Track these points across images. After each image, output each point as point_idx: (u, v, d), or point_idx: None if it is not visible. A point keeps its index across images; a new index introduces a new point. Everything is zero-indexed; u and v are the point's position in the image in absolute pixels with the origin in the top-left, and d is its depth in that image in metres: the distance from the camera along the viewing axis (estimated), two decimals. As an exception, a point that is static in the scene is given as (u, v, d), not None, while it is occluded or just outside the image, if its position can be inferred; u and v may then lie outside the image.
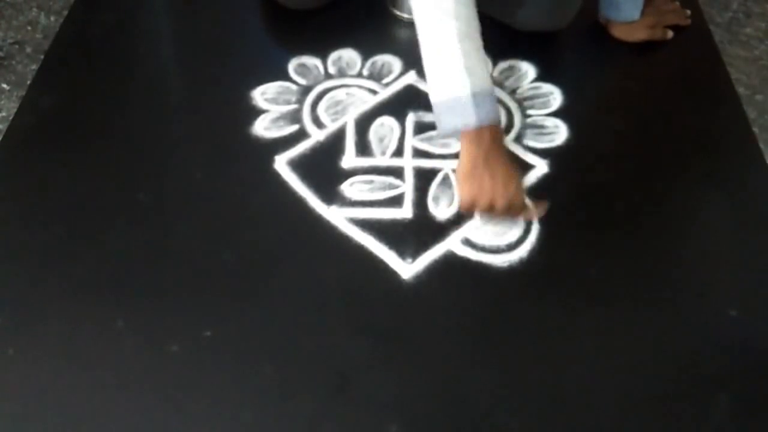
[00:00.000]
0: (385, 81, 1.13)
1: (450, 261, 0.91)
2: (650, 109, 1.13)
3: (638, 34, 1.17)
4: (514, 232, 0.94)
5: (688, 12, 1.22)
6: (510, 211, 0.88)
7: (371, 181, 1.00)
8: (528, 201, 0.92)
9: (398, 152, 1.03)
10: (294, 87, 1.12)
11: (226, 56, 1.18)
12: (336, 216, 0.95)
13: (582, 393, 0.81)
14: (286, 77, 1.13)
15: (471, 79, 0.84)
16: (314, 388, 0.80)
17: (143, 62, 1.18)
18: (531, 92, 1.12)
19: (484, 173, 0.86)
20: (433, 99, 0.87)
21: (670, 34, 1.19)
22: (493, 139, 0.86)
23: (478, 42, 0.87)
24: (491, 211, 0.88)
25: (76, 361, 0.82)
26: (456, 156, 1.02)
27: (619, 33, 1.18)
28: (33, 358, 0.82)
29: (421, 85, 1.11)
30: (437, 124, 0.88)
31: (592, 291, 0.89)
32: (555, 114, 1.09)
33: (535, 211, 0.93)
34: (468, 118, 0.85)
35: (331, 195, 0.98)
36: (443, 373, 0.82)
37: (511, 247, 0.93)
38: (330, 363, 0.82)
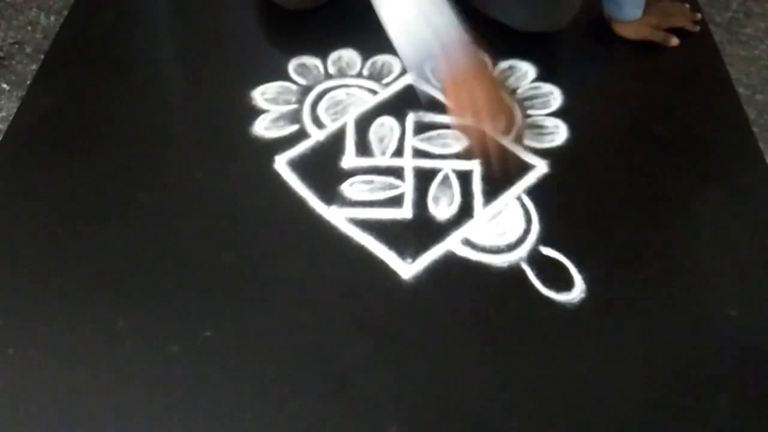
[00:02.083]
0: (385, 81, 1.13)
1: (450, 261, 0.91)
2: (650, 109, 1.13)
3: (640, 33, 1.17)
4: (514, 233, 0.94)
5: (698, 16, 1.22)
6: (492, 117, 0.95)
7: (371, 181, 1.00)
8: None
9: (398, 152, 1.03)
10: (294, 87, 1.12)
11: (226, 56, 1.18)
12: (336, 216, 0.95)
13: (582, 393, 0.81)
14: (286, 77, 1.13)
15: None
16: (314, 388, 0.80)
17: (143, 62, 1.18)
18: (531, 92, 1.12)
19: (465, 82, 0.94)
20: (395, 42, 0.95)
21: (674, 41, 1.17)
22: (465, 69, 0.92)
23: None
24: (476, 114, 0.94)
25: (76, 361, 0.82)
26: (456, 156, 1.02)
27: (620, 30, 1.18)
28: (33, 358, 0.82)
29: (421, 86, 1.12)
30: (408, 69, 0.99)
31: (592, 291, 0.89)
32: (555, 114, 1.09)
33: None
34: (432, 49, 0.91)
35: (331, 195, 0.98)
36: (443, 373, 0.82)
37: (511, 247, 0.93)
38: (330, 363, 0.82)
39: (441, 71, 0.95)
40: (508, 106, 1.00)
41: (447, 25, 0.91)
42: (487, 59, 1.07)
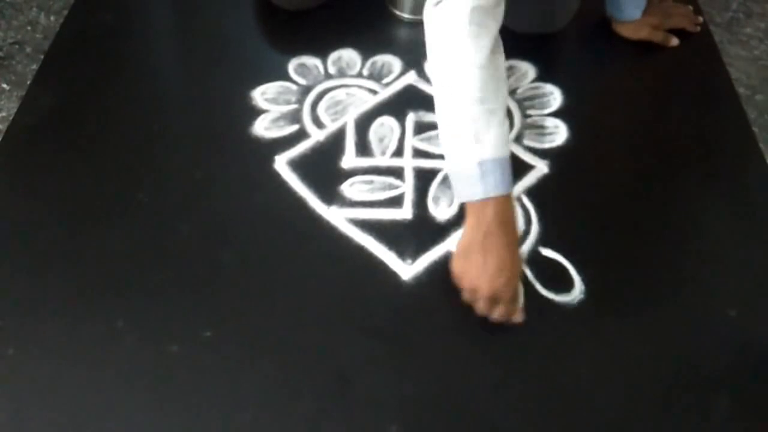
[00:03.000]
0: (385, 81, 1.13)
1: (450, 261, 0.91)
2: (650, 109, 1.13)
3: (640, 33, 1.17)
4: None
5: (700, 19, 1.22)
6: (493, 303, 0.81)
7: (371, 182, 1.00)
8: (520, 298, 0.84)
9: (398, 152, 1.03)
10: (294, 87, 1.12)
11: (226, 56, 1.18)
12: (336, 216, 0.95)
13: (582, 393, 0.81)
14: (286, 77, 1.13)
15: (478, 147, 0.79)
16: (314, 388, 0.80)
17: (143, 62, 1.18)
18: (531, 92, 1.12)
19: (477, 254, 0.81)
20: (446, 167, 0.83)
21: (674, 41, 1.17)
22: (495, 215, 0.80)
23: (496, 102, 0.81)
24: (474, 296, 0.82)
25: (76, 361, 0.82)
26: (456, 156, 1.02)
27: (621, 30, 1.18)
28: (33, 358, 0.82)
29: (421, 85, 1.12)
30: (453, 192, 0.85)
31: (592, 291, 0.89)
32: (555, 114, 1.09)
33: (520, 315, 0.84)
34: (473, 188, 0.80)
35: (331, 195, 0.98)
36: (443, 373, 0.82)
37: (511, 247, 0.93)
38: (330, 363, 0.82)
39: (464, 229, 0.83)
40: (511, 296, 0.82)
41: (498, 182, 0.79)
42: (520, 239, 0.90)
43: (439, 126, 0.85)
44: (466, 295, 0.84)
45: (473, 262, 0.81)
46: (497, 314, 0.83)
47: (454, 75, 0.82)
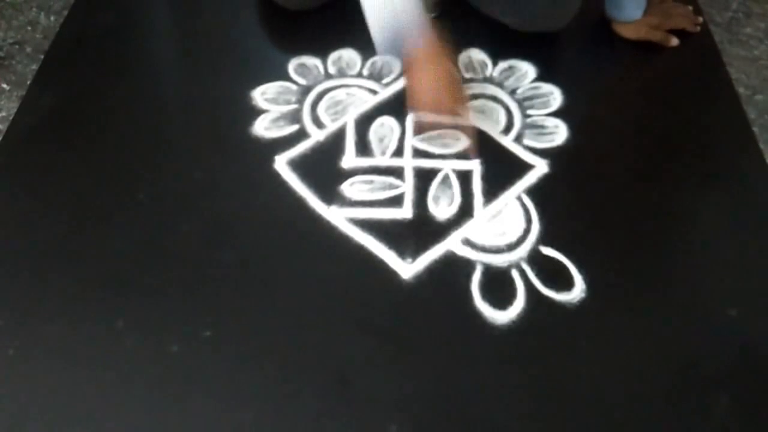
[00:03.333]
0: (385, 81, 1.13)
1: (450, 261, 0.91)
2: (650, 109, 1.13)
3: (640, 33, 1.17)
4: (514, 232, 0.94)
5: (700, 19, 1.22)
6: (440, 111, 0.98)
7: (371, 181, 1.00)
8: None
9: (398, 152, 1.03)
10: (294, 87, 1.12)
11: (226, 56, 1.18)
12: (336, 216, 0.95)
13: (582, 393, 0.81)
14: (286, 77, 1.13)
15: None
16: (314, 388, 0.80)
17: (143, 62, 1.18)
18: (531, 92, 1.12)
19: (422, 81, 0.97)
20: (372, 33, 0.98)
21: (674, 41, 1.17)
22: (426, 54, 0.95)
23: None
24: (425, 109, 0.98)
25: (76, 361, 0.82)
26: (456, 156, 1.02)
27: (621, 30, 1.18)
28: (33, 358, 0.82)
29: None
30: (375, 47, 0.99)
31: (592, 291, 0.89)
32: (555, 114, 1.09)
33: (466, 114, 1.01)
34: (392, 37, 0.96)
35: (331, 195, 0.98)
36: (443, 373, 0.82)
37: (511, 247, 0.93)
38: (330, 363, 0.82)
39: (404, 52, 0.98)
40: (463, 90, 1.02)
41: (408, 6, 0.95)
42: (448, 44, 1.03)
43: None
44: (419, 111, 1.01)
45: (423, 88, 0.98)
46: (445, 118, 1.01)
47: None
